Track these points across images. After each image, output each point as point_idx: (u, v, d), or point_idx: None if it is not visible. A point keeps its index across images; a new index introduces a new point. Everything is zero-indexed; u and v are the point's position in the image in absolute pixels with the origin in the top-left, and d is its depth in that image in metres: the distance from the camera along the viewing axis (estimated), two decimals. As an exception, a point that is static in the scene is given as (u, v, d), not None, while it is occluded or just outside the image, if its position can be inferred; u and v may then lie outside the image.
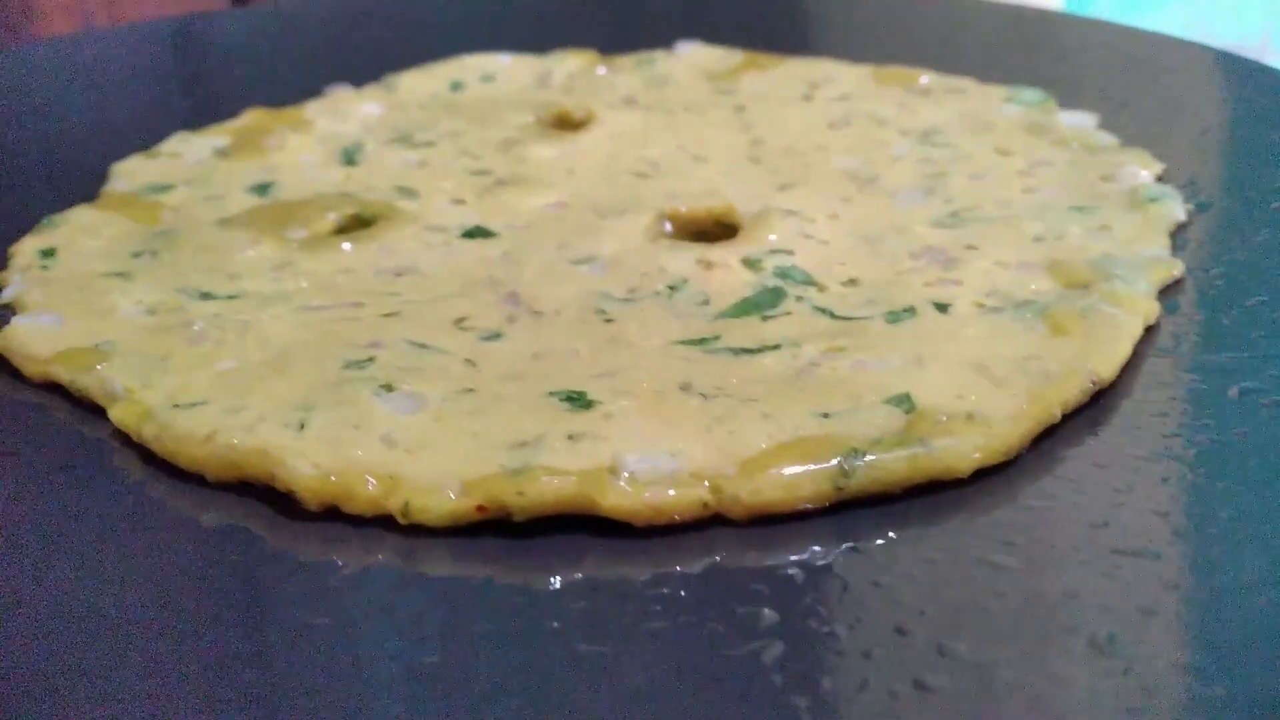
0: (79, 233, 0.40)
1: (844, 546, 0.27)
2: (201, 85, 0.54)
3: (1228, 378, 0.31)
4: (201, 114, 0.49)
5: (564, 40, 0.53)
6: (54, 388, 0.34)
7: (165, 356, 0.34)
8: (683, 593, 0.26)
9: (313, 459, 0.29)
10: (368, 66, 0.52)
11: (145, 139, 0.47)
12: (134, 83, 0.54)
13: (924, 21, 0.55)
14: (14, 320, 0.36)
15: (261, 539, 0.28)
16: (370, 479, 0.28)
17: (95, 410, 0.33)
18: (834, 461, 0.28)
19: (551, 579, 0.26)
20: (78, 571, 0.27)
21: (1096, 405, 0.31)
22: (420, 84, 0.50)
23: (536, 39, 0.53)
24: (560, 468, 0.28)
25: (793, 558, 0.27)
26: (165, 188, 0.43)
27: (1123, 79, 0.47)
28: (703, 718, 0.23)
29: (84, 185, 0.44)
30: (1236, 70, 0.46)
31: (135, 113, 0.51)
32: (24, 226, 0.41)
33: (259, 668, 0.24)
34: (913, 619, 0.24)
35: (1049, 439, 0.30)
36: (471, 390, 0.31)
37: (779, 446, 0.29)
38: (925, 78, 0.47)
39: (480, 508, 0.28)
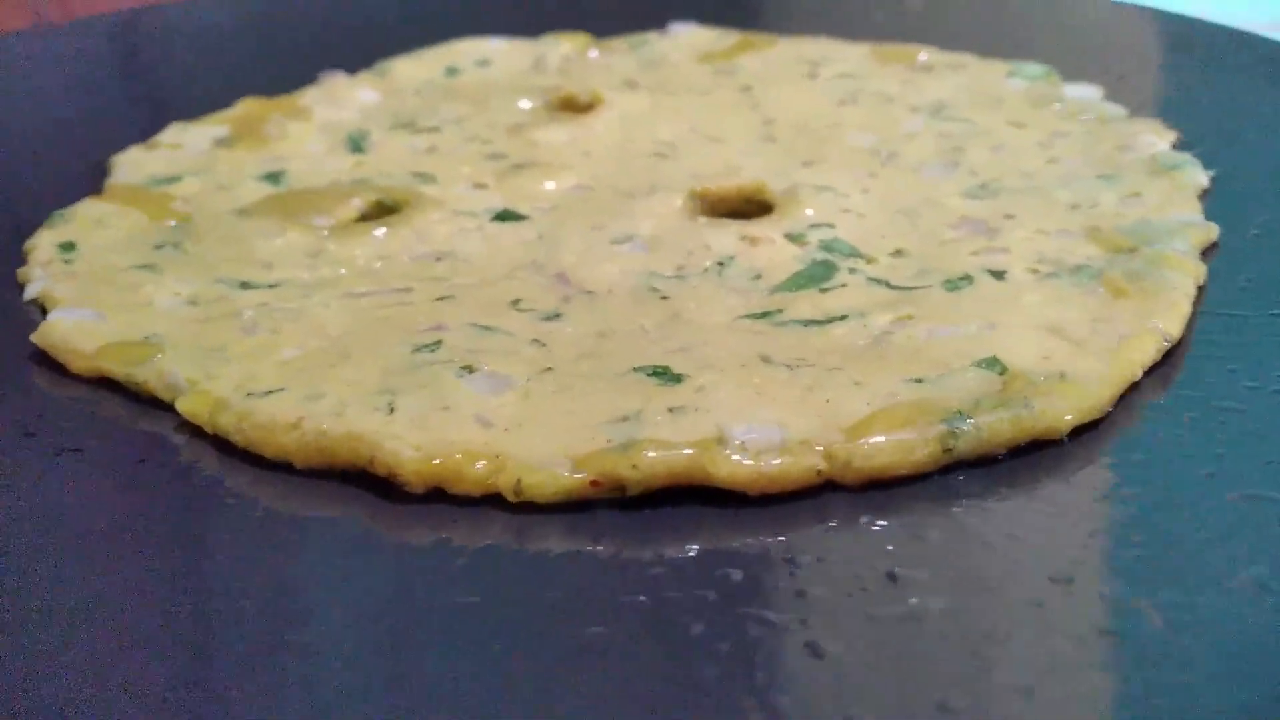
0: (92, 226, 0.39)
1: (962, 504, 0.27)
2: (172, 79, 0.53)
3: (1285, 333, 0.32)
4: (176, 106, 0.48)
5: (543, 22, 0.53)
6: (99, 382, 0.33)
7: (220, 347, 0.33)
8: (820, 559, 0.26)
9: (411, 441, 0.28)
10: (351, 54, 0.51)
11: (138, 131, 0.45)
12: (97, 77, 0.52)
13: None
14: (52, 315, 0.34)
15: (370, 528, 0.28)
16: (478, 459, 0.28)
17: (151, 404, 0.32)
18: (941, 425, 0.28)
19: (686, 549, 0.26)
20: (184, 575, 0.26)
21: (1164, 364, 0.31)
22: (414, 70, 0.49)
23: (521, 22, 0.53)
24: (667, 440, 0.28)
25: (915, 518, 0.27)
26: (173, 179, 0.42)
27: (1114, 52, 0.48)
28: (890, 675, 0.23)
29: (73, 180, 0.43)
30: (1228, 40, 0.47)
31: (109, 106, 0.49)
32: (21, 221, 0.40)
33: (415, 653, 0.24)
34: (1065, 566, 0.25)
35: (1126, 396, 0.30)
36: (551, 369, 0.31)
37: (881, 412, 0.29)
38: (924, 54, 0.48)
39: (594, 482, 0.28)
